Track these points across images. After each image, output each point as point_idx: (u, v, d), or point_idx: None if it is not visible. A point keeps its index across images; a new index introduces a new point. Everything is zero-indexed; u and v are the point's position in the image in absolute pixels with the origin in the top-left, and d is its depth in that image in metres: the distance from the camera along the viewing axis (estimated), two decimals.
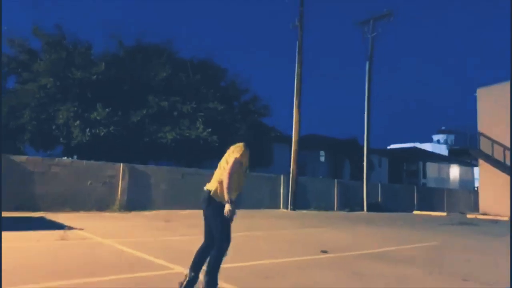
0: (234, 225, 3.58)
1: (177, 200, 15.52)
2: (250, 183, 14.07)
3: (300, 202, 18.99)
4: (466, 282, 4.80)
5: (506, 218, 20.38)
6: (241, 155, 3.52)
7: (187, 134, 18.14)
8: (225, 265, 5.19)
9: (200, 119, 18.53)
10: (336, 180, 22.96)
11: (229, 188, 3.42)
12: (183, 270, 4.73)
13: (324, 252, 6.51)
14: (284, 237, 8.91)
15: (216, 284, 3.50)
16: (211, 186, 3.58)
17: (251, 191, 16.60)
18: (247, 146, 3.63)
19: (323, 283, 4.52)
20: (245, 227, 9.55)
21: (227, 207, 3.41)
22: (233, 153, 3.54)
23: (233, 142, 3.70)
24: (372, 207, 21.48)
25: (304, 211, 18.10)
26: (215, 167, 3.74)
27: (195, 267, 3.61)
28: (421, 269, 5.51)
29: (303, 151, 23.22)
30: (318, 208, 19.64)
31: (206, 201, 3.54)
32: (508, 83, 24.67)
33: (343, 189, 22.35)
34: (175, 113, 18.61)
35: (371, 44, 23.15)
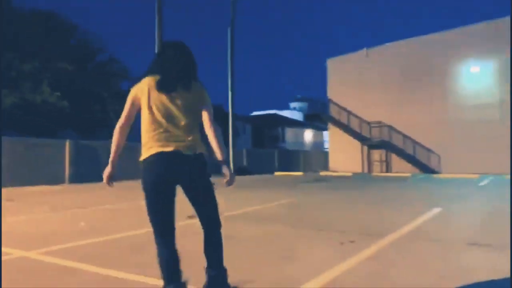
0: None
1: (22, 176, 13.54)
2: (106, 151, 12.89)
3: None
4: (321, 232, 5.20)
5: (350, 174, 23.60)
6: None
7: (31, 99, 15.59)
8: (82, 242, 4.56)
9: (46, 81, 16.05)
10: None
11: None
12: (26, 254, 3.96)
13: (191, 217, 6.31)
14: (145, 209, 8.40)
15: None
16: (191, 137, 2.35)
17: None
18: None
19: (194, 249, 4.30)
20: (94, 202, 8.71)
21: (230, 172, 2.42)
22: (200, 93, 2.41)
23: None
24: (239, 171, 22.44)
25: None
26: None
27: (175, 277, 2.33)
28: (286, 224, 5.78)
29: None
30: None
31: (196, 161, 2.37)
32: (352, 54, 27.94)
33: (209, 155, 22.60)
34: (14, 73, 15.71)
35: (232, 9, 23.16)
